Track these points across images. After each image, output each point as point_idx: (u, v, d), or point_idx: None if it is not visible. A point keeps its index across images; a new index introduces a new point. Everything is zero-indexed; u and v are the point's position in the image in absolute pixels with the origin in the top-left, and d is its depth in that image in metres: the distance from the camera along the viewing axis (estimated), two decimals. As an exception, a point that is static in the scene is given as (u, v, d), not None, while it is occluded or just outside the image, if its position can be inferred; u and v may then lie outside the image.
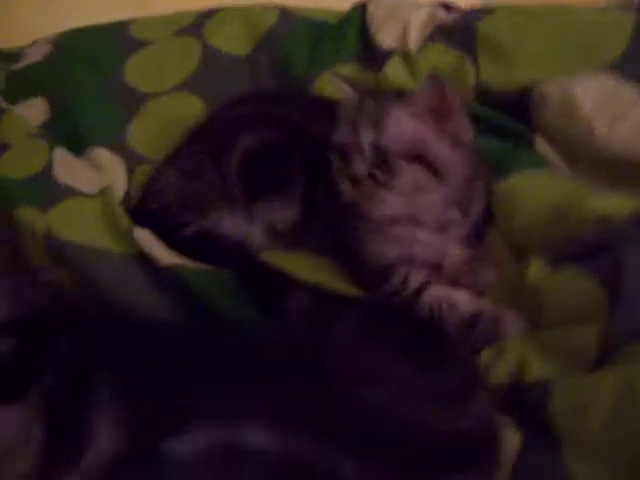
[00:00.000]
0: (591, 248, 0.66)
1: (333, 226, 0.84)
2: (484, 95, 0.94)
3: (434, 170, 0.76)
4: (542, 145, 0.87)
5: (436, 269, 0.79)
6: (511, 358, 0.65)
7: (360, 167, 0.76)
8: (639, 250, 0.63)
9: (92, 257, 0.85)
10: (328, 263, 0.85)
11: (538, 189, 0.77)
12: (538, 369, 0.62)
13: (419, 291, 0.76)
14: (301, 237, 0.88)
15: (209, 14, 1.23)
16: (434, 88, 0.74)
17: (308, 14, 1.19)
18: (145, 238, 0.85)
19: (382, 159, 0.75)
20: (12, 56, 1.28)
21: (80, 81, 1.16)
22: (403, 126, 0.75)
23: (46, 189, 0.96)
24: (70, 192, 0.96)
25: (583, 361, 0.60)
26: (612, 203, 0.70)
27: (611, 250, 0.64)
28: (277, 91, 1.10)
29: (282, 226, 0.88)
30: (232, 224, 0.88)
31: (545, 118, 0.87)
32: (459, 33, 1.00)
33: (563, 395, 0.57)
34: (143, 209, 0.94)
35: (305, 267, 0.85)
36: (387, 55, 1.04)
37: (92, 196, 0.96)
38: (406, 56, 1.02)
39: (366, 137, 0.75)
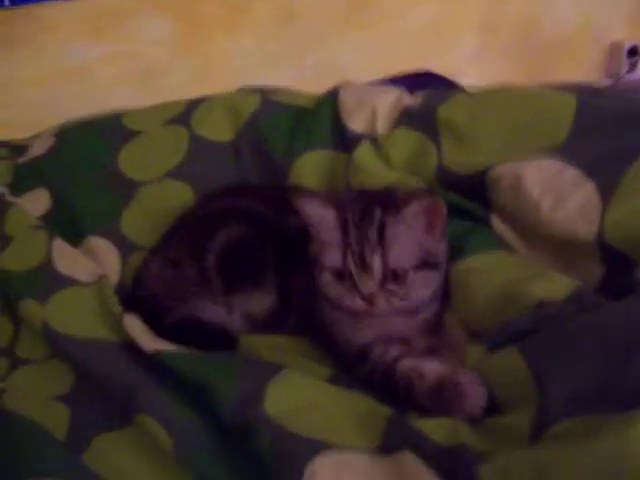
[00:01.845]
0: (525, 331, 0.72)
1: (308, 313, 0.90)
2: (445, 176, 1.01)
3: (435, 265, 0.83)
4: (498, 225, 0.93)
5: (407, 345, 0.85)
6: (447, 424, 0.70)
7: (371, 286, 0.80)
8: (567, 330, 0.68)
9: (87, 348, 0.90)
10: (303, 345, 0.91)
11: (489, 274, 0.84)
12: (470, 438, 0.67)
13: (394, 362, 0.81)
14: (277, 322, 0.94)
15: (196, 103, 1.32)
16: (423, 202, 0.79)
17: (287, 99, 1.27)
18: (133, 325, 0.91)
19: (394, 276, 0.80)
20: (18, 148, 1.38)
21: (77, 172, 1.24)
22: (407, 245, 0.80)
23: (46, 280, 1.02)
24: (68, 282, 1.02)
25: (516, 439, 0.65)
26: (551, 287, 0.76)
27: (541, 331, 0.69)
28: (253, 184, 1.17)
29: (259, 313, 0.95)
30: (213, 312, 0.95)
31: (499, 199, 0.93)
32: (421, 117, 1.07)
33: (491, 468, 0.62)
34: (133, 297, 1.01)
35: (281, 350, 0.91)
36: (357, 140, 1.12)
37: (88, 285, 1.02)
38: (374, 141, 1.10)
39: (377, 264, 0.79)
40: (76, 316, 0.96)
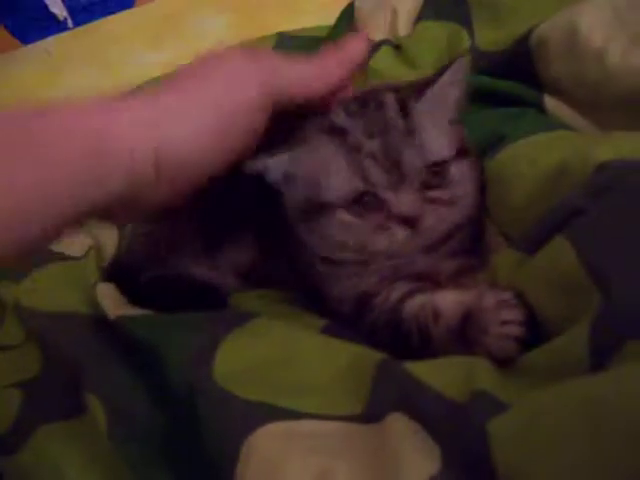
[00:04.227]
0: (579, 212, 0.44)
1: (293, 267, 0.68)
2: (480, 60, 0.76)
3: (466, 152, 0.59)
4: (551, 102, 0.66)
5: (425, 281, 0.60)
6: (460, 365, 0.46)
7: (410, 198, 0.55)
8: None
9: (54, 323, 0.76)
10: (297, 297, 0.69)
11: (532, 158, 0.56)
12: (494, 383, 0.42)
13: (400, 303, 0.57)
14: (266, 276, 0.73)
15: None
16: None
17: (305, 32, 1.09)
18: (104, 294, 0.75)
19: (434, 174, 0.56)
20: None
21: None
22: (443, 125, 0.58)
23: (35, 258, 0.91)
24: (56, 258, 0.90)
25: (567, 374, 0.38)
26: (623, 145, 0.48)
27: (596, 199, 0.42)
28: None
29: (245, 266, 0.74)
30: (195, 268, 0.75)
31: (548, 67, 0.66)
32: (448, 2, 0.83)
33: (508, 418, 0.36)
34: (116, 263, 0.85)
35: (275, 302, 0.70)
36: (376, 49, 0.89)
37: (76, 259, 0.89)
38: (397, 43, 0.87)
39: (414, 159, 0.55)
40: (49, 291, 0.83)
